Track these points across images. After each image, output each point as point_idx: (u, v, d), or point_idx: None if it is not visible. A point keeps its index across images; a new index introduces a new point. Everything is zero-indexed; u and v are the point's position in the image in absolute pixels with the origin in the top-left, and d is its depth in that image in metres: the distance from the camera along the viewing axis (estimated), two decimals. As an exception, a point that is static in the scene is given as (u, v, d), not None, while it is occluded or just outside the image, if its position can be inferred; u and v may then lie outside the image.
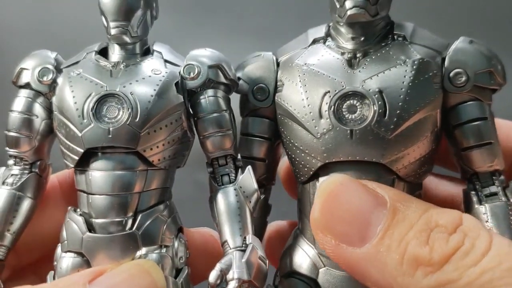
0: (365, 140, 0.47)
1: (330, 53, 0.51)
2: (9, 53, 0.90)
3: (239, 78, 0.57)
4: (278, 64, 0.54)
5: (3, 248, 0.54)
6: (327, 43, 0.53)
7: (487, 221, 0.48)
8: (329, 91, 0.49)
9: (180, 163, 0.56)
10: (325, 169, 0.49)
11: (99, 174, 0.51)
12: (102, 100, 0.51)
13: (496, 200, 0.51)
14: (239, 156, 0.53)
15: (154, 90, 0.51)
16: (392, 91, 0.48)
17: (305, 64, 0.51)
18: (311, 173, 0.50)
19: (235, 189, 0.51)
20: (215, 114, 0.53)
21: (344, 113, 0.48)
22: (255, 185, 0.51)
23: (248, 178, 0.51)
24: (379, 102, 0.47)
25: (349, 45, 0.51)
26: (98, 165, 0.51)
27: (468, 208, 0.52)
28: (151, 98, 0.51)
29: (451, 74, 0.49)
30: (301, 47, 0.54)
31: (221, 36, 0.71)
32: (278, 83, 0.54)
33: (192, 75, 0.53)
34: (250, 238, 0.49)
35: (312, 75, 0.50)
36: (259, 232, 0.55)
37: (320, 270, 0.50)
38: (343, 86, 0.48)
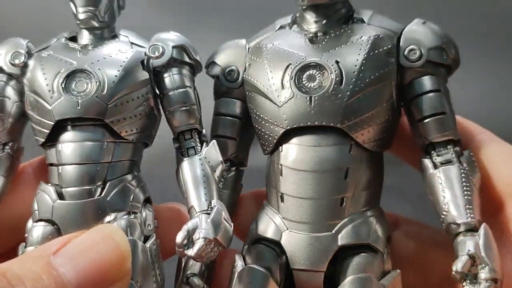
0: (323, 106, 0.51)
1: (294, 35, 0.54)
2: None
3: (213, 63, 0.60)
4: (248, 49, 0.56)
5: None
6: (292, 28, 0.56)
7: (440, 183, 0.49)
8: (290, 64, 0.52)
9: (147, 139, 0.58)
10: (287, 137, 0.52)
11: (69, 145, 0.53)
12: (71, 75, 0.54)
13: (449, 165, 0.52)
14: (203, 132, 0.54)
15: (121, 66, 0.54)
16: (348, 62, 0.52)
17: (272, 44, 0.53)
18: (275, 141, 0.52)
19: (200, 159, 0.52)
20: (179, 90, 0.55)
21: (304, 82, 0.52)
22: (220, 157, 0.53)
23: (212, 150, 0.53)
24: (336, 71, 0.50)
25: (312, 28, 0.54)
26: (67, 137, 0.53)
27: (423, 174, 0.54)
28: (117, 72, 0.54)
29: (406, 51, 0.53)
30: (269, 33, 0.56)
31: (220, 35, 0.71)
32: (247, 65, 0.55)
33: (157, 54, 0.56)
34: (215, 201, 0.51)
35: (276, 52, 0.53)
36: (230, 211, 0.55)
37: (283, 232, 0.51)
38: (303, 59, 0.51)
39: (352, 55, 0.52)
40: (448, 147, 0.53)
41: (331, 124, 0.51)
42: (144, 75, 0.57)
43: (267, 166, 0.57)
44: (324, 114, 0.51)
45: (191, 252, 0.48)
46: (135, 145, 0.57)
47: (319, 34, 0.54)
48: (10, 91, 0.58)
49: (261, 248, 0.52)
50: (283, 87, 0.53)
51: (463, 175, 0.51)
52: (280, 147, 0.54)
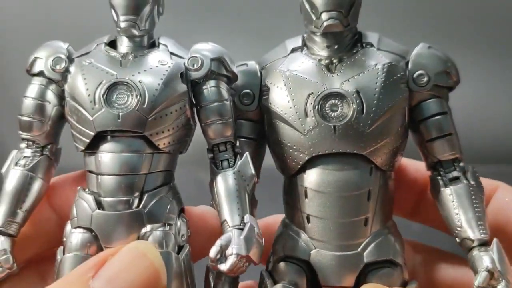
0: (346, 135, 0.53)
1: (309, 60, 0.56)
2: (9, 52, 0.91)
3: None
4: (261, 72, 0.57)
5: (15, 225, 0.58)
6: (304, 51, 0.57)
7: (453, 201, 0.55)
8: (312, 93, 0.54)
9: (183, 148, 0.59)
10: (311, 162, 0.53)
11: (108, 156, 0.54)
12: (113, 87, 0.55)
13: (458, 183, 0.57)
14: (237, 143, 0.55)
15: (161, 79, 0.55)
16: (367, 91, 0.55)
17: (288, 70, 0.56)
18: (299, 166, 0.53)
19: (234, 173, 0.53)
20: (216, 103, 0.56)
21: (327, 111, 0.54)
22: (253, 170, 0.54)
23: (246, 163, 0.54)
24: (357, 101, 0.53)
25: (324, 53, 0.56)
26: (107, 148, 0.54)
27: (435, 191, 0.59)
28: (158, 86, 0.55)
29: (415, 76, 0.56)
30: (281, 56, 0.57)
31: (221, 36, 0.71)
32: (264, 88, 0.58)
33: (196, 66, 0.57)
34: (247, 217, 0.52)
35: (295, 79, 0.55)
36: None
37: (312, 252, 0.53)
38: (324, 88, 0.53)
39: (371, 84, 0.56)
40: (455, 164, 0.57)
41: (355, 151, 0.53)
42: (183, 87, 0.57)
43: (286, 187, 0.58)
44: (348, 142, 0.54)
45: (223, 267, 0.49)
46: (172, 155, 0.58)
47: (334, 61, 0.57)
48: (50, 95, 0.60)
49: (290, 266, 0.55)
50: (306, 115, 0.55)
51: (472, 192, 0.55)
52: (304, 171, 0.55)
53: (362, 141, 0.55)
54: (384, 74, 0.56)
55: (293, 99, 0.56)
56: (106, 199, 0.55)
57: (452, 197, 0.55)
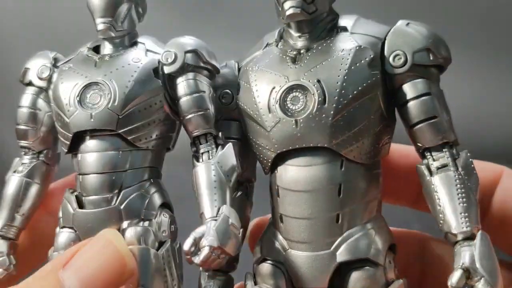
0: (309, 128, 0.51)
1: (279, 53, 0.54)
2: (9, 53, 0.91)
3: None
4: (239, 70, 0.57)
5: (14, 228, 0.61)
6: (279, 45, 0.56)
7: (436, 192, 0.49)
8: (274, 87, 0.52)
9: (168, 144, 0.59)
10: (281, 159, 0.52)
11: (87, 155, 0.55)
12: (86, 88, 0.56)
13: (445, 171, 0.51)
14: (220, 134, 0.55)
15: (132, 76, 0.55)
16: (329, 80, 0.51)
17: (257, 66, 0.54)
18: (269, 165, 0.53)
19: (213, 164, 0.52)
20: (194, 95, 0.56)
21: (289, 105, 0.52)
22: (234, 161, 0.53)
23: (227, 154, 0.54)
24: (318, 91, 0.50)
25: (298, 43, 0.54)
26: (85, 148, 0.55)
27: (421, 181, 0.53)
28: (128, 83, 0.55)
29: (391, 57, 0.52)
30: (257, 52, 0.57)
31: (221, 35, 0.71)
32: (238, 87, 0.56)
33: (169, 60, 0.57)
34: (224, 208, 0.51)
35: (260, 75, 0.54)
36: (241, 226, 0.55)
37: (286, 252, 0.52)
38: (286, 81, 0.51)
39: (334, 71, 0.52)
40: (444, 150, 0.52)
41: (319, 144, 0.51)
42: (156, 82, 0.57)
43: (269, 187, 0.58)
44: (312, 136, 0.51)
45: (197, 259, 0.48)
46: (154, 152, 0.58)
47: (302, 51, 0.54)
48: (41, 103, 0.63)
49: (268, 268, 0.53)
50: (269, 111, 0.53)
51: (457, 181, 0.50)
52: (276, 169, 0.54)
53: (326, 134, 0.51)
54: (349, 60, 0.52)
55: (258, 96, 0.55)
56: (88, 198, 0.56)
57: (435, 187, 0.51)
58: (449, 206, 0.48)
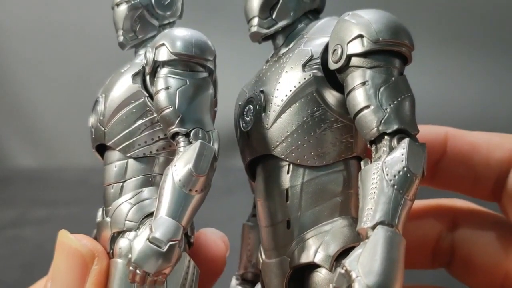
0: (256, 138, 0.50)
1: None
2: (9, 53, 0.91)
3: None
4: None
5: None
6: (268, 61, 0.55)
7: (359, 189, 0.47)
8: (240, 103, 0.52)
9: (167, 147, 0.56)
10: (250, 170, 0.52)
11: (103, 169, 0.54)
12: (95, 103, 0.55)
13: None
14: (194, 131, 0.50)
15: (115, 86, 0.54)
16: (269, 88, 0.50)
17: (244, 84, 0.54)
18: (248, 176, 0.53)
19: (168, 168, 0.48)
20: (160, 92, 0.53)
21: (245, 118, 0.52)
22: (190, 165, 0.46)
23: (186, 156, 0.47)
24: (259, 101, 0.50)
25: (274, 57, 0.54)
26: (101, 162, 0.54)
27: None
28: (112, 93, 0.53)
29: (331, 53, 0.50)
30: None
31: (221, 36, 0.71)
32: None
33: (145, 61, 0.55)
34: (155, 219, 0.45)
35: (239, 93, 0.53)
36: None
37: (262, 260, 0.51)
38: (245, 95, 0.51)
39: (273, 79, 0.51)
40: (383, 142, 0.48)
41: (263, 152, 0.50)
42: (135, 87, 0.55)
43: None
44: (259, 145, 0.50)
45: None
46: (150, 158, 0.56)
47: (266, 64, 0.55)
48: None
49: (257, 278, 0.54)
50: (236, 127, 0.54)
51: (374, 171, 0.46)
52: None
53: (267, 141, 0.51)
54: (286, 65, 0.52)
55: (234, 114, 0.56)
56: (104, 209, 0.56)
57: (359, 183, 0.49)
58: (362, 202, 0.45)
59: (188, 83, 0.51)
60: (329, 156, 0.51)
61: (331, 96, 0.51)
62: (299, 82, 0.50)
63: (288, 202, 0.50)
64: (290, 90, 0.50)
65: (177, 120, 0.51)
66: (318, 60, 0.51)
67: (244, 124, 0.53)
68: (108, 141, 0.54)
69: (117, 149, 0.53)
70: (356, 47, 0.48)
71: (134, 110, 0.54)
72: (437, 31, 0.97)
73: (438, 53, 0.99)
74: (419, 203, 0.52)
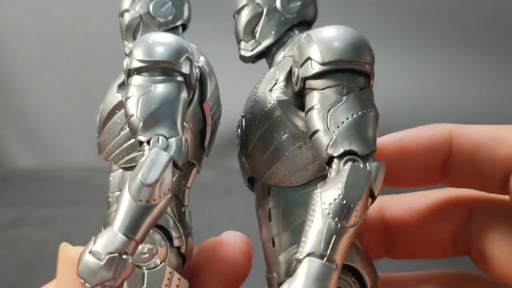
0: (242, 160, 0.50)
1: None
2: (9, 53, 0.91)
3: None
4: None
5: None
6: None
7: None
8: (237, 124, 0.54)
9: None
10: (251, 187, 0.54)
11: None
12: None
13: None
14: (154, 138, 0.48)
15: (107, 97, 0.53)
16: (247, 112, 0.50)
17: None
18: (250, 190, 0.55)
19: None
20: (125, 103, 0.51)
21: (237, 141, 0.53)
22: (138, 178, 0.45)
23: (141, 161, 0.46)
24: (242, 126, 0.50)
25: None
26: (104, 163, 0.55)
27: None
28: (102, 105, 0.53)
29: (293, 76, 0.50)
30: None
31: (221, 36, 0.71)
32: None
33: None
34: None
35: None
36: None
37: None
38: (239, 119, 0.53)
39: (249, 104, 0.51)
40: (333, 165, 0.49)
41: (249, 175, 0.51)
42: (118, 96, 0.54)
43: None
44: (244, 167, 0.51)
45: None
46: None
47: None
48: None
49: None
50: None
51: (315, 198, 0.48)
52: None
53: (249, 164, 0.51)
54: (258, 89, 0.52)
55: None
56: None
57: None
58: (303, 231, 0.45)
59: (152, 89, 0.49)
60: (304, 176, 0.50)
61: (298, 118, 0.50)
62: (266, 108, 0.50)
63: (271, 222, 0.50)
64: (259, 117, 0.50)
65: (139, 128, 0.49)
66: (282, 84, 0.51)
67: (237, 146, 0.53)
68: (101, 152, 0.52)
69: (109, 159, 0.52)
70: (306, 70, 0.48)
71: (119, 120, 0.52)
72: (438, 30, 0.97)
73: (440, 51, 0.99)
74: (435, 194, 0.52)
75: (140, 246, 0.48)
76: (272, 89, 0.52)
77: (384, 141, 0.55)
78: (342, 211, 0.42)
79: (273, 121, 0.52)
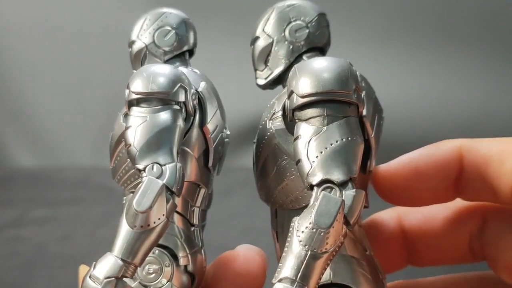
0: (256, 185, 0.53)
1: None
2: (9, 53, 0.91)
3: None
4: None
5: None
6: None
7: None
8: None
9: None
10: None
11: None
12: None
13: None
14: (148, 168, 0.50)
15: (115, 125, 0.55)
16: (256, 139, 0.53)
17: None
18: None
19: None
20: (124, 133, 0.53)
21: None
22: (134, 205, 0.47)
23: (134, 197, 0.49)
24: (253, 152, 0.52)
25: None
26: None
27: None
28: (112, 134, 0.54)
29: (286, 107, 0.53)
30: None
31: (221, 36, 0.71)
32: None
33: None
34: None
35: None
36: None
37: None
38: None
39: (256, 132, 0.55)
40: (313, 194, 0.51)
41: (260, 197, 0.54)
42: (124, 126, 0.55)
43: None
44: (258, 192, 0.54)
45: None
46: None
47: None
48: None
49: None
50: None
51: (292, 225, 0.50)
52: None
53: (258, 188, 0.54)
54: (262, 119, 0.55)
55: None
56: None
57: None
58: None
59: (148, 119, 0.50)
60: (304, 200, 0.51)
61: (283, 148, 0.52)
62: (266, 136, 0.51)
63: (278, 243, 0.52)
64: (262, 144, 0.51)
65: (135, 157, 0.50)
66: (280, 114, 0.53)
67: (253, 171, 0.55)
68: (114, 177, 0.53)
69: (120, 184, 0.53)
70: (292, 102, 0.50)
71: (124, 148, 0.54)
72: (436, 31, 0.97)
73: (438, 53, 0.99)
74: (449, 203, 0.53)
75: (146, 267, 0.50)
76: (271, 118, 0.53)
77: (396, 163, 0.55)
78: (312, 239, 0.43)
79: (272, 148, 0.53)
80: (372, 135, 0.47)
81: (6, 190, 0.88)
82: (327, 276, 0.47)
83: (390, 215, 0.52)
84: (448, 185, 0.49)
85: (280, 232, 0.52)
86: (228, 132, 0.51)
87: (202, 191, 0.48)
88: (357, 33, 0.72)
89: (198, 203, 0.48)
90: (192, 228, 0.47)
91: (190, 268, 0.46)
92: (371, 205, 0.48)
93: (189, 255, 0.46)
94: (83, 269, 0.49)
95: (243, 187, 0.67)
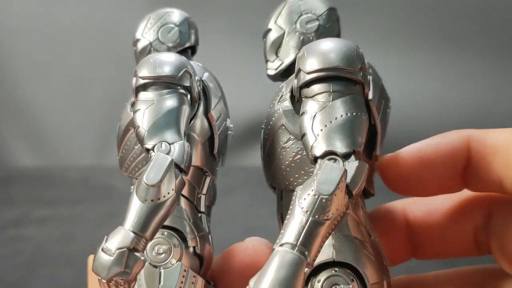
0: (263, 170, 0.54)
1: None
2: (10, 53, 0.91)
3: None
4: None
5: None
6: None
7: None
8: None
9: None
10: None
11: None
12: None
13: None
14: (157, 146, 0.51)
15: (122, 116, 0.56)
16: (264, 124, 0.55)
17: None
18: None
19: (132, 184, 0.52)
20: (133, 117, 0.55)
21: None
22: (144, 180, 0.48)
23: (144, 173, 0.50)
24: (260, 136, 0.54)
25: None
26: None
27: None
28: (119, 124, 0.55)
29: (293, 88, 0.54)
30: None
31: (221, 36, 0.71)
32: None
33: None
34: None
35: None
36: None
37: None
38: None
39: (266, 115, 0.56)
40: (317, 166, 0.51)
41: (268, 183, 0.55)
42: (131, 115, 0.57)
43: None
44: (265, 177, 0.55)
45: None
46: None
47: None
48: None
49: None
50: None
51: (294, 194, 0.50)
52: None
53: (264, 171, 0.55)
54: (271, 103, 0.56)
55: None
56: None
57: None
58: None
59: (155, 102, 0.52)
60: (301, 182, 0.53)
61: (289, 129, 0.53)
62: (273, 118, 0.52)
63: (282, 227, 0.52)
64: (269, 126, 0.52)
65: (144, 137, 0.52)
66: (288, 96, 0.54)
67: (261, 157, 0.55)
68: (121, 167, 0.55)
69: (127, 173, 0.54)
70: (299, 80, 0.51)
71: (133, 136, 0.55)
72: (434, 31, 0.97)
73: (438, 53, 0.99)
74: (454, 195, 0.53)
75: (156, 247, 0.51)
76: (279, 101, 0.54)
77: (403, 152, 0.55)
78: (314, 205, 0.44)
79: (279, 129, 0.54)
80: (378, 119, 0.47)
81: (7, 189, 0.89)
82: (329, 254, 0.48)
83: (395, 207, 0.51)
84: (455, 175, 0.50)
85: (285, 215, 0.52)
86: (231, 125, 0.52)
87: (208, 178, 0.49)
88: (357, 33, 0.72)
89: (204, 191, 0.48)
90: (200, 214, 0.48)
91: (198, 250, 0.47)
92: (377, 197, 0.49)
93: (197, 237, 0.47)
94: (92, 259, 0.50)
95: (243, 187, 0.67)
